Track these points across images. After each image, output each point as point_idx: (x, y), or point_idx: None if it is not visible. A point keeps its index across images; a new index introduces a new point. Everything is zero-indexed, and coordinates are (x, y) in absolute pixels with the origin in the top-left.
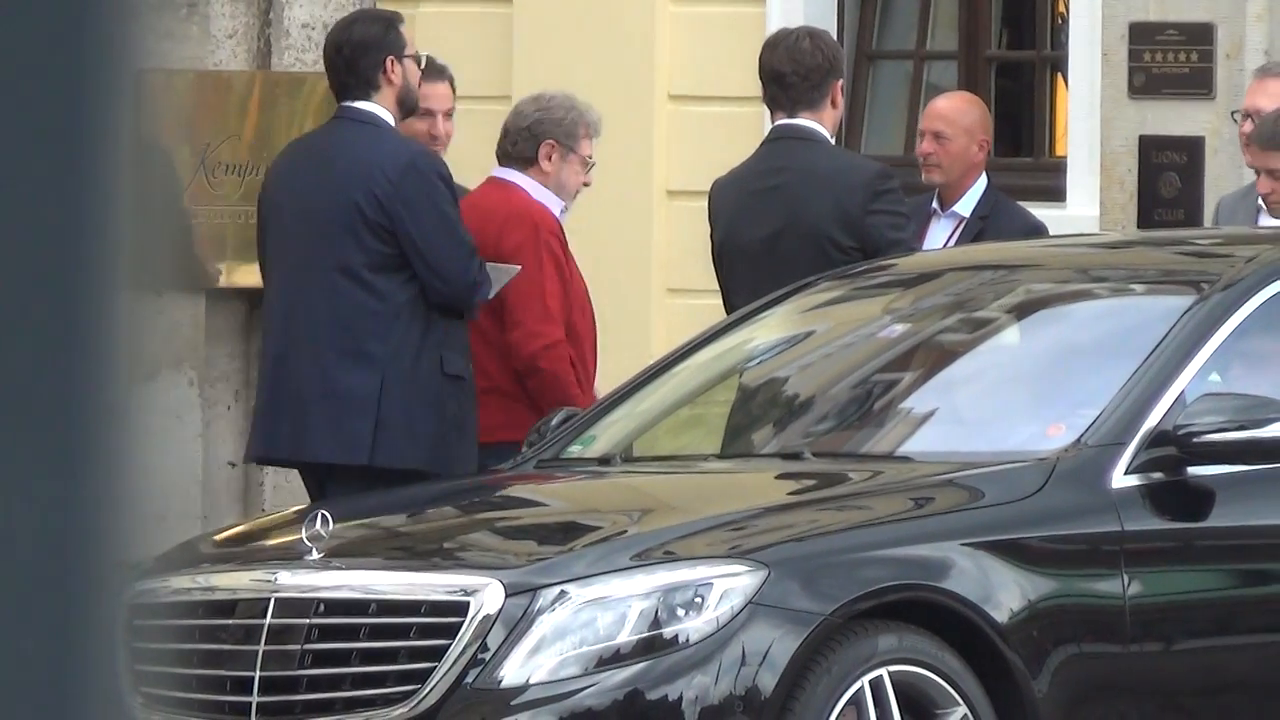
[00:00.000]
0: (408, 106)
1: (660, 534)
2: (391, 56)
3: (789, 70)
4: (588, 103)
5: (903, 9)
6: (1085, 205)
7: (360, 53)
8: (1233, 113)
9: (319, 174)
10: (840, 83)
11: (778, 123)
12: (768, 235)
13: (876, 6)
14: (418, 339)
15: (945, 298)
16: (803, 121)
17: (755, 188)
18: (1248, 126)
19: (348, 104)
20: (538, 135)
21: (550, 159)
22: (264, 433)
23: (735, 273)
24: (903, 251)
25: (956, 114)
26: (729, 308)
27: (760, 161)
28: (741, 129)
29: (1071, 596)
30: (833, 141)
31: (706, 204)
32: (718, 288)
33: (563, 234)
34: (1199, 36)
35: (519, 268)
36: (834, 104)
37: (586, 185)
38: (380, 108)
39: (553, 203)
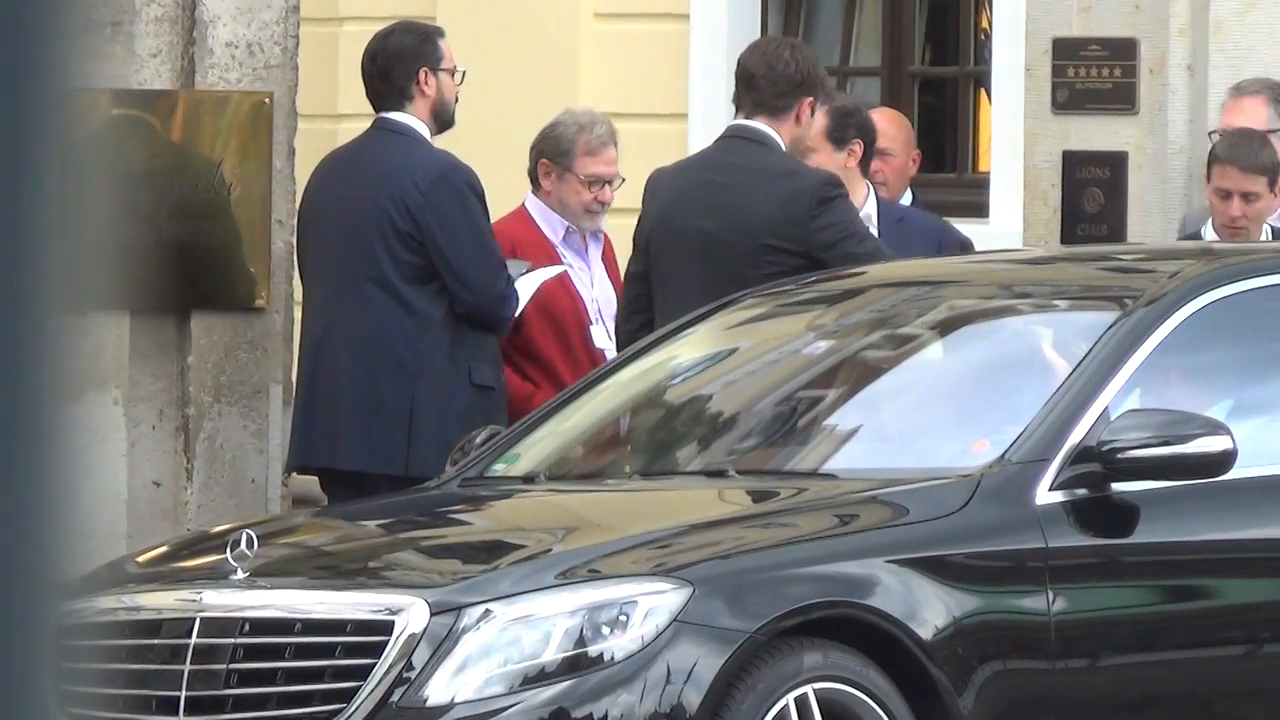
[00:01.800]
0: (443, 120)
1: (585, 552)
2: (426, 68)
3: (759, 72)
4: (599, 116)
5: (826, 24)
6: (1009, 221)
7: (394, 62)
8: (1210, 133)
9: (352, 184)
10: (810, 101)
11: (734, 121)
12: (706, 230)
13: (800, 22)
14: (448, 350)
15: (869, 314)
16: (758, 124)
17: (701, 179)
18: None
19: (383, 114)
20: (535, 153)
21: (549, 177)
22: (301, 443)
23: (663, 260)
24: (866, 260)
25: (896, 129)
26: (645, 298)
27: (710, 155)
28: (665, 146)
29: (996, 613)
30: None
31: (642, 196)
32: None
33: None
34: (1122, 51)
35: (530, 263)
36: (798, 120)
37: (602, 204)
38: (414, 118)
39: (552, 224)
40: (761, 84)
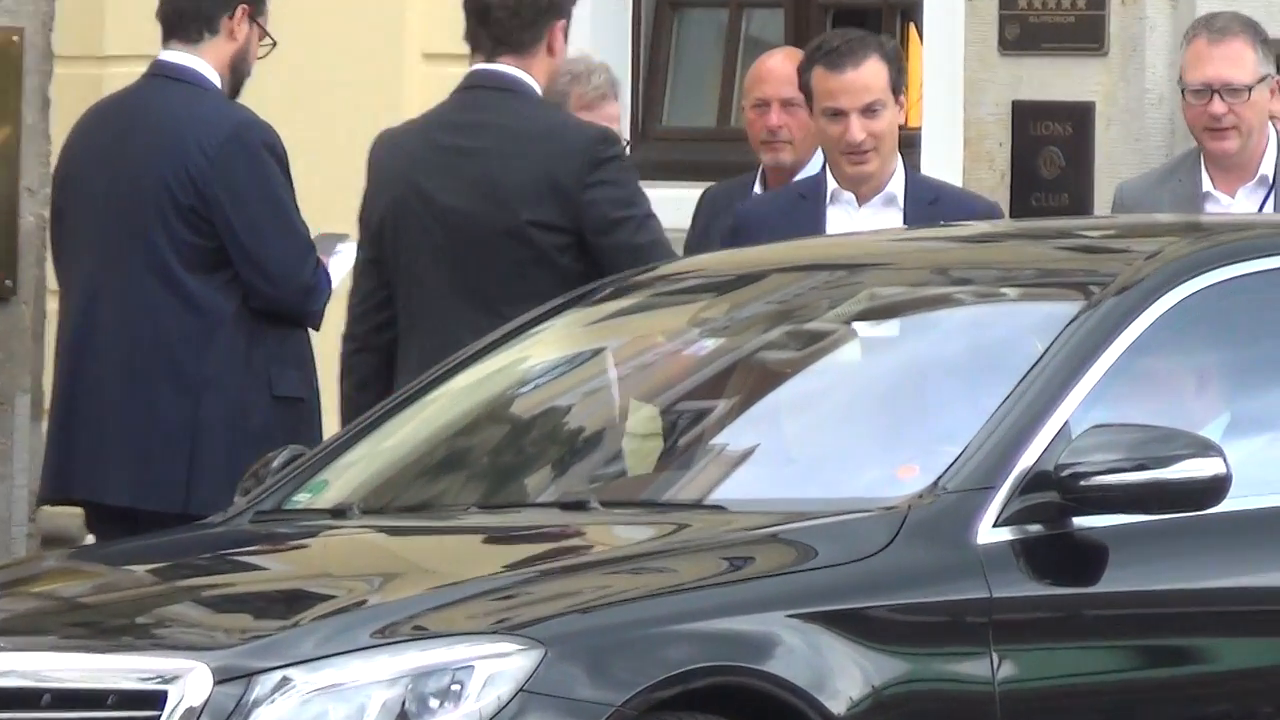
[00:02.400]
0: (239, 78)
1: (409, 604)
2: (245, 5)
3: (495, 2)
4: (597, 64)
5: None
6: None
7: None
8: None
9: (122, 145)
10: (563, 24)
11: (474, 67)
12: (452, 207)
13: None
14: (243, 354)
15: (769, 305)
16: (504, 68)
17: (441, 143)
18: (1217, 107)
19: (163, 56)
20: None
21: None
22: (56, 469)
23: (401, 246)
24: (649, 254)
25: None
26: (382, 293)
27: (447, 113)
28: None
29: (927, 681)
30: (541, 95)
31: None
32: None
33: None
34: None
35: (347, 234)
36: (551, 50)
37: None
38: (205, 64)
39: None
40: (500, 15)
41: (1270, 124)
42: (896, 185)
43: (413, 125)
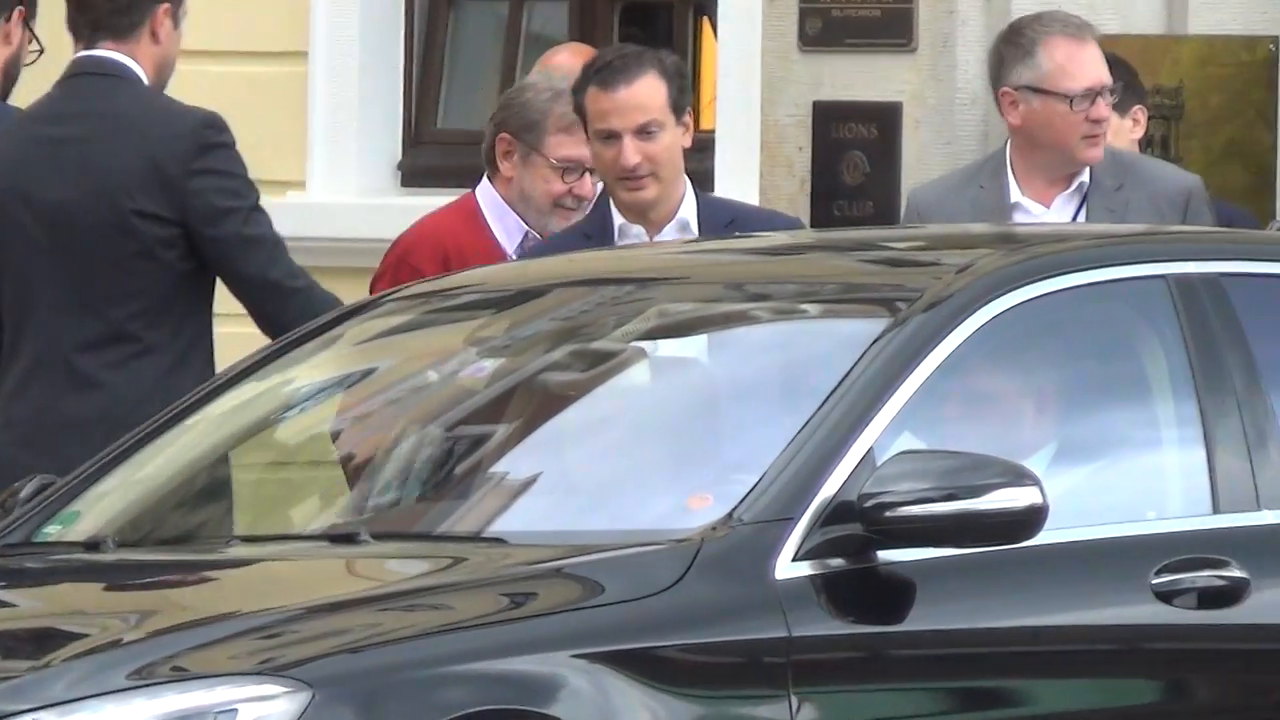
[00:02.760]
0: (11, 78)
1: (167, 643)
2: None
3: None
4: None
5: None
6: (739, 196)
7: None
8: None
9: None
10: (167, 8)
11: (75, 55)
12: (53, 201)
13: None
14: None
15: (551, 323)
16: (105, 53)
17: (44, 135)
18: (1103, 110)
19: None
20: (493, 125)
21: (509, 159)
22: None
23: (2, 246)
24: (259, 253)
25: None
26: None
27: (51, 104)
28: (280, 95)
29: None
30: (147, 83)
31: None
32: None
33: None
34: None
35: None
36: (155, 37)
37: (578, 199)
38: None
39: (507, 225)
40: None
41: None
42: (688, 210)
43: (15, 117)
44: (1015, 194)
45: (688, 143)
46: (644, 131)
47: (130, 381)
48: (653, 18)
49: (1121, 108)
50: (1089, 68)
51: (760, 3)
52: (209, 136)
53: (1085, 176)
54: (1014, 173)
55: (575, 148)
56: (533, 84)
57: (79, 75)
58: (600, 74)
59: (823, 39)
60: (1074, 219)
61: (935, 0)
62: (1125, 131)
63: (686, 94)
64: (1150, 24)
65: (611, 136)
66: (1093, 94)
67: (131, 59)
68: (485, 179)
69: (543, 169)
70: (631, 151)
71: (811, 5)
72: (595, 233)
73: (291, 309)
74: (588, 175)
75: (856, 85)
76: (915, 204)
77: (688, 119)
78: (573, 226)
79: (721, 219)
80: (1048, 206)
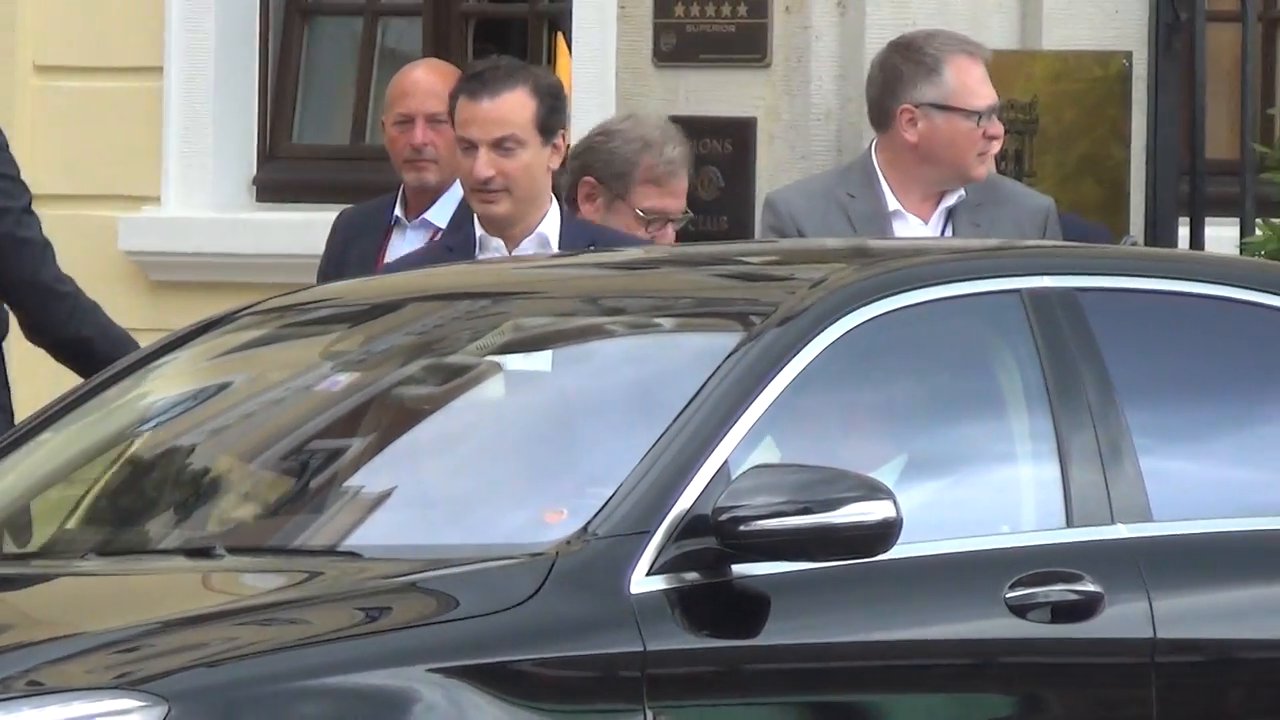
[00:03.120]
0: None
1: (21, 657)
2: None
3: None
4: (673, 131)
5: None
6: None
7: None
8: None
9: None
10: None
11: None
12: None
13: None
14: None
15: (406, 337)
16: None
17: None
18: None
19: None
20: (577, 165)
21: (593, 203)
22: None
23: None
24: (30, 257)
25: (446, 86)
26: None
27: None
28: (135, 109)
29: None
30: None
31: None
32: None
33: None
34: None
35: None
36: None
37: None
38: None
39: None
40: None
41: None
42: (550, 228)
43: None
44: (893, 203)
45: (556, 164)
46: (500, 145)
47: None
48: (506, 33)
49: None
50: (988, 86)
51: (614, 18)
52: None
53: (961, 193)
54: (888, 183)
55: (661, 199)
56: (620, 131)
57: None
58: (469, 83)
59: (677, 54)
60: (941, 234)
61: (789, 16)
62: None
63: (559, 115)
64: (1004, 39)
65: (470, 146)
66: (991, 112)
67: None
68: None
69: (627, 217)
70: (484, 164)
71: (665, 20)
72: (457, 245)
73: (60, 312)
74: (669, 225)
75: (711, 100)
76: (785, 208)
77: (559, 140)
78: (436, 241)
79: (583, 239)
80: (925, 220)
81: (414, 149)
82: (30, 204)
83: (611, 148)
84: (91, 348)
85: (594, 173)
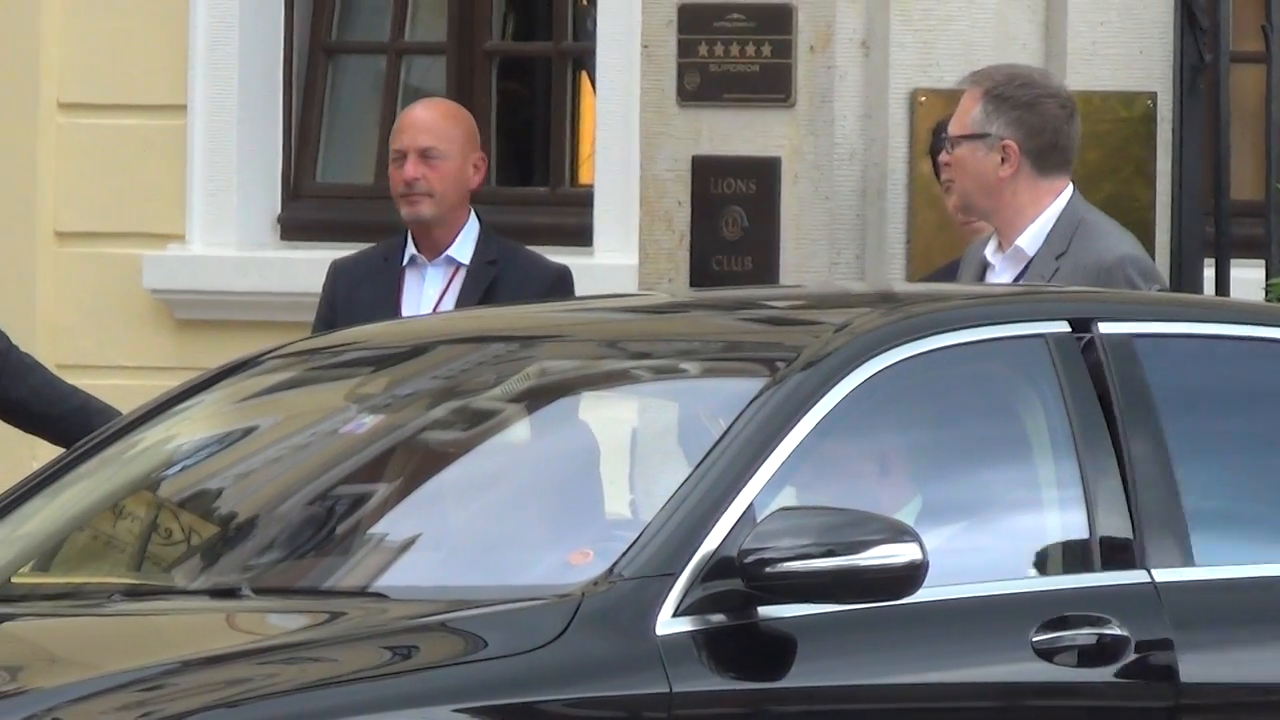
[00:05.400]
0: None
1: (44, 696)
2: None
3: None
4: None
5: None
6: (619, 252)
7: None
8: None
9: None
10: None
11: None
12: None
13: None
14: None
15: (431, 381)
16: None
17: None
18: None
19: None
20: None
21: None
22: None
23: None
24: None
25: (450, 124)
26: None
27: None
28: (159, 148)
29: None
30: None
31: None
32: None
33: None
34: (774, 22)
35: None
36: None
37: (408, 184)
38: None
39: None
40: None
41: None
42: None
43: None
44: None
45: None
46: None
47: None
48: (530, 72)
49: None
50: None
51: (638, 57)
52: None
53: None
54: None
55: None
56: None
57: None
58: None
59: (701, 93)
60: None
61: (813, 55)
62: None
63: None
64: None
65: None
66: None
67: None
68: None
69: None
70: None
71: (689, 60)
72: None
73: None
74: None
75: (735, 140)
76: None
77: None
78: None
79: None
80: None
81: (405, 184)
82: None
83: None
84: (29, 409)
85: None
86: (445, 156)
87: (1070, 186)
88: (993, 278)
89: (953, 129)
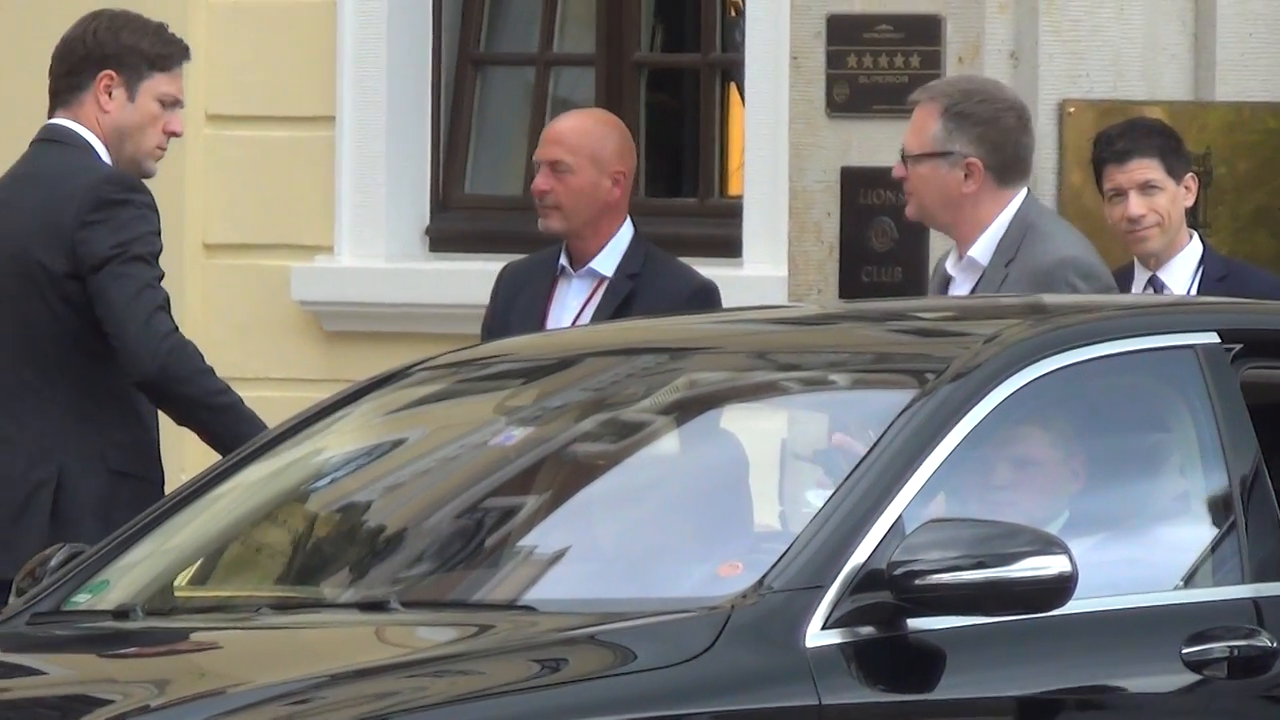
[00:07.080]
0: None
1: (195, 709)
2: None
3: (54, 54)
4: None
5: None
6: (769, 263)
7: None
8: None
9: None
10: (110, 74)
11: (46, 122)
12: None
13: None
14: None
15: (581, 393)
16: (57, 120)
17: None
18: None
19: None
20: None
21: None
22: None
23: None
24: (130, 289)
25: (581, 136)
26: None
27: (14, 167)
28: (307, 159)
29: None
30: (101, 149)
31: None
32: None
33: None
34: (922, 33)
35: None
36: (100, 105)
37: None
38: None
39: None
40: (56, 70)
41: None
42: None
43: None
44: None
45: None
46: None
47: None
48: (679, 83)
49: (1176, 175)
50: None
51: (787, 69)
52: (108, 192)
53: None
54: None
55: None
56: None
57: (36, 141)
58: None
59: (850, 105)
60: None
61: (962, 66)
62: (1180, 199)
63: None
64: (1177, 91)
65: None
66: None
67: (81, 125)
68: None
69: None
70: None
71: (839, 71)
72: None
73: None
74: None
75: (884, 151)
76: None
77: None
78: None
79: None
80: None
81: (537, 196)
82: (149, 255)
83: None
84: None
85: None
86: (573, 170)
87: (1024, 192)
88: (954, 290)
89: (911, 146)
